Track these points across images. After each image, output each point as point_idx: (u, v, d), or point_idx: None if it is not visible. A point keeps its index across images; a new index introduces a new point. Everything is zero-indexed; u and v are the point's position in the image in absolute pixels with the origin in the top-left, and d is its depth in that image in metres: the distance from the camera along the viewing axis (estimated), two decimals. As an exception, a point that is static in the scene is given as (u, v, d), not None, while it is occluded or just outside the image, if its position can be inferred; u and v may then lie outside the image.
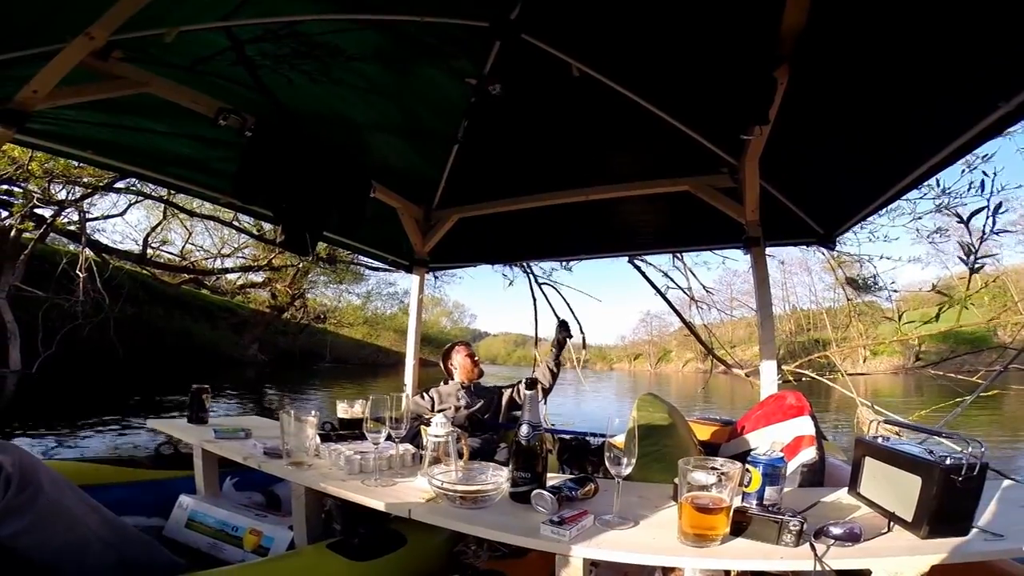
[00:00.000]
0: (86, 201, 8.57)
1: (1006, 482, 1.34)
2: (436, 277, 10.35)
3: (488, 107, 2.39)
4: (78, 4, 1.57)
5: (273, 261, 15.38)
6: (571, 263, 4.85)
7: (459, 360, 2.65)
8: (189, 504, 1.80)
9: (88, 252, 6.25)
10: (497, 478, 1.35)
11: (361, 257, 14.16)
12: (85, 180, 7.61)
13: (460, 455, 1.51)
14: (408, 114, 2.60)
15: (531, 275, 4.70)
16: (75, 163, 7.41)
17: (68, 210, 8.34)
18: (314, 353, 20.10)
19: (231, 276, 16.92)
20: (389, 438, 1.49)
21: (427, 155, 2.93)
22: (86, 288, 5.87)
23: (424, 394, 2.54)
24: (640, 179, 2.60)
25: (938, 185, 3.65)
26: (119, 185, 9.04)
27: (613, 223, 3.15)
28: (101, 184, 8.02)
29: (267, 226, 14.12)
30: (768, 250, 2.39)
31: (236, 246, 16.08)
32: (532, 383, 1.38)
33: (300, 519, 1.59)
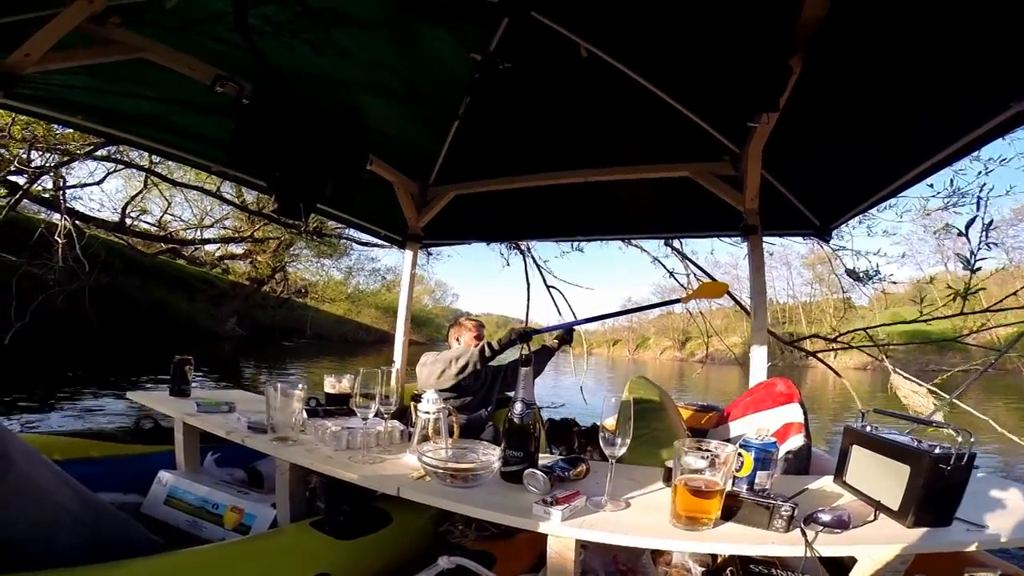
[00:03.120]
0: (64, 168, 8.20)
1: (978, 474, 1.38)
2: (430, 254, 10.25)
3: (491, 84, 2.33)
4: None
5: (256, 233, 15.07)
6: (582, 245, 4.82)
7: (466, 338, 2.58)
8: (169, 480, 1.75)
9: (66, 219, 6.01)
10: (488, 456, 1.34)
11: (352, 232, 14.02)
12: (67, 147, 7.27)
13: (451, 432, 1.49)
14: (410, 88, 2.53)
15: (526, 257, 4.66)
16: (57, 129, 7.10)
17: (43, 177, 8.00)
18: (294, 328, 19.84)
19: (210, 247, 16.53)
20: (378, 414, 1.46)
21: (427, 130, 2.87)
22: (65, 255, 5.63)
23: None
24: (641, 163, 2.58)
25: (951, 184, 3.70)
26: (100, 153, 8.70)
27: (610, 205, 3.13)
28: (81, 152, 7.68)
29: (249, 197, 13.83)
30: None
31: (217, 217, 15.73)
32: (527, 360, 1.36)
33: (284, 496, 1.57)
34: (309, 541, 1.40)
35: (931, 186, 4.65)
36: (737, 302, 4.74)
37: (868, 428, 1.26)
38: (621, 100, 2.28)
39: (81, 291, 6.44)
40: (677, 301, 2.49)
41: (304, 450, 1.50)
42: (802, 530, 1.04)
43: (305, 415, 1.62)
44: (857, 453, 1.26)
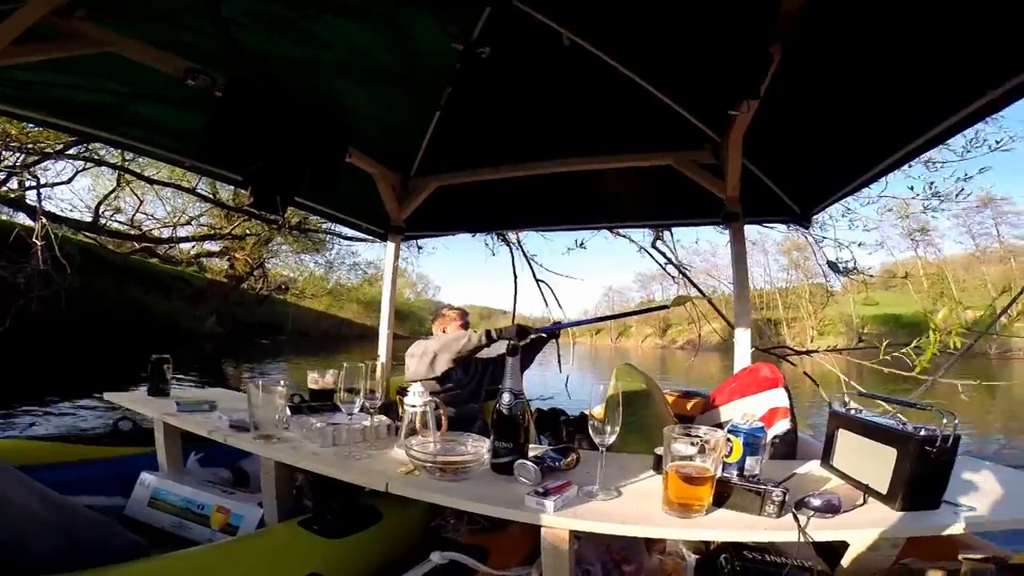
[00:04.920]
0: (37, 167, 7.90)
1: (961, 457, 1.41)
2: (420, 248, 10.16)
3: (472, 74, 2.32)
4: None
5: (235, 230, 14.75)
6: (585, 241, 4.84)
7: (451, 329, 2.54)
8: (151, 482, 1.71)
9: (43, 220, 5.78)
10: (477, 448, 1.32)
11: (333, 226, 13.82)
12: (38, 145, 6.98)
13: (438, 425, 1.47)
14: (390, 78, 2.49)
15: (513, 249, 4.65)
16: (29, 127, 6.82)
17: (9, 177, 7.68)
18: (274, 326, 19.55)
19: (185, 246, 16.13)
20: (363, 409, 1.43)
21: (408, 121, 2.82)
22: (44, 258, 5.42)
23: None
24: (624, 152, 2.57)
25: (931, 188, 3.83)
26: (71, 151, 8.39)
27: (596, 195, 3.13)
28: (54, 151, 7.39)
29: (225, 194, 13.53)
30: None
31: (193, 215, 15.35)
32: (513, 350, 1.34)
33: (270, 495, 1.53)
34: (299, 541, 1.37)
35: (911, 188, 4.86)
36: (712, 304, 4.86)
37: (853, 411, 1.27)
38: (603, 89, 2.27)
39: (56, 294, 6.23)
40: (664, 307, 2.50)
41: (289, 448, 1.47)
42: (794, 515, 1.05)
43: (288, 412, 1.59)
44: (843, 437, 1.28)
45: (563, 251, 5.19)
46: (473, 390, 2.40)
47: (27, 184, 8.51)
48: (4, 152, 7.11)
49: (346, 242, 16.93)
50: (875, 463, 1.14)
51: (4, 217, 10.28)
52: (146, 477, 1.72)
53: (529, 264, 4.48)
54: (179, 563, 1.18)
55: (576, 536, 1.14)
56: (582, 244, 4.98)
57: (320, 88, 2.45)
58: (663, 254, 5.34)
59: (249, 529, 1.59)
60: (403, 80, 2.51)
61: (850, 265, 4.06)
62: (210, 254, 17.12)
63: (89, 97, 2.16)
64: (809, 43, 1.62)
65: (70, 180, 10.79)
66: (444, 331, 2.48)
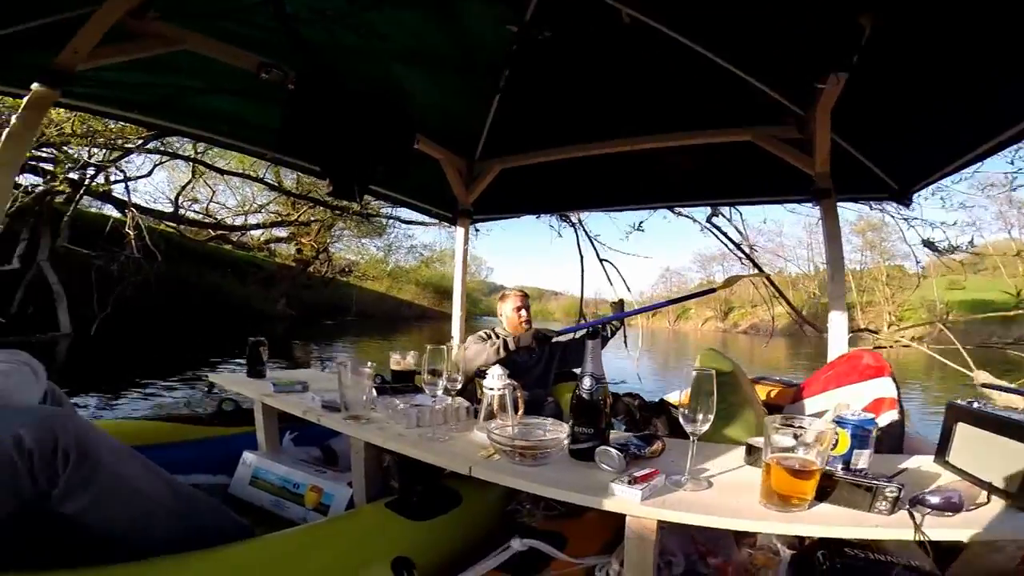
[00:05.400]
0: (122, 162, 8.59)
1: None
2: (477, 231, 10.31)
3: (530, 56, 2.29)
4: None
5: (300, 217, 15.48)
6: (642, 223, 4.76)
7: (506, 310, 2.55)
8: (253, 461, 1.80)
9: (133, 211, 6.35)
10: (557, 433, 1.31)
11: (392, 210, 14.19)
12: (120, 141, 7.59)
13: (516, 408, 1.47)
14: (449, 64, 2.51)
15: (577, 230, 4.59)
16: (113, 124, 7.40)
17: (98, 172, 8.35)
18: (339, 307, 20.44)
19: (255, 232, 17.08)
20: (445, 391, 1.46)
21: (469, 105, 2.84)
22: (138, 247, 5.95)
23: (482, 336, 2.44)
24: (696, 129, 2.46)
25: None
26: (149, 146, 9.04)
27: (661, 174, 3.04)
28: (136, 146, 8.01)
29: (288, 181, 14.15)
30: (799, 208, 2.28)
31: (261, 203, 16.21)
32: (594, 333, 1.32)
33: (359, 475, 1.59)
34: (387, 523, 1.41)
35: (1011, 163, 4.36)
36: (773, 285, 4.60)
37: (975, 404, 1.17)
38: (670, 64, 2.17)
39: (146, 280, 6.77)
40: (710, 291, 2.41)
41: (376, 428, 1.51)
42: (910, 512, 0.98)
43: (375, 393, 1.64)
44: (963, 431, 1.17)
45: (623, 233, 5.07)
46: (540, 375, 2.41)
47: (112, 178, 9.27)
48: (92, 148, 7.73)
49: (404, 225, 17.41)
50: (1003, 460, 1.04)
51: (94, 210, 11.25)
52: (248, 456, 1.82)
53: (592, 244, 4.41)
54: (278, 544, 1.25)
55: (661, 527, 1.12)
56: (640, 226, 4.84)
57: (382, 77, 2.51)
58: (725, 234, 5.10)
59: (339, 508, 1.65)
60: (461, 65, 2.52)
61: (944, 245, 3.71)
62: (279, 240, 18.07)
63: (171, 93, 2.29)
64: (905, 8, 1.46)
65: (149, 173, 11.62)
66: (500, 314, 2.50)
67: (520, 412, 1.44)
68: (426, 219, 15.59)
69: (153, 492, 1.16)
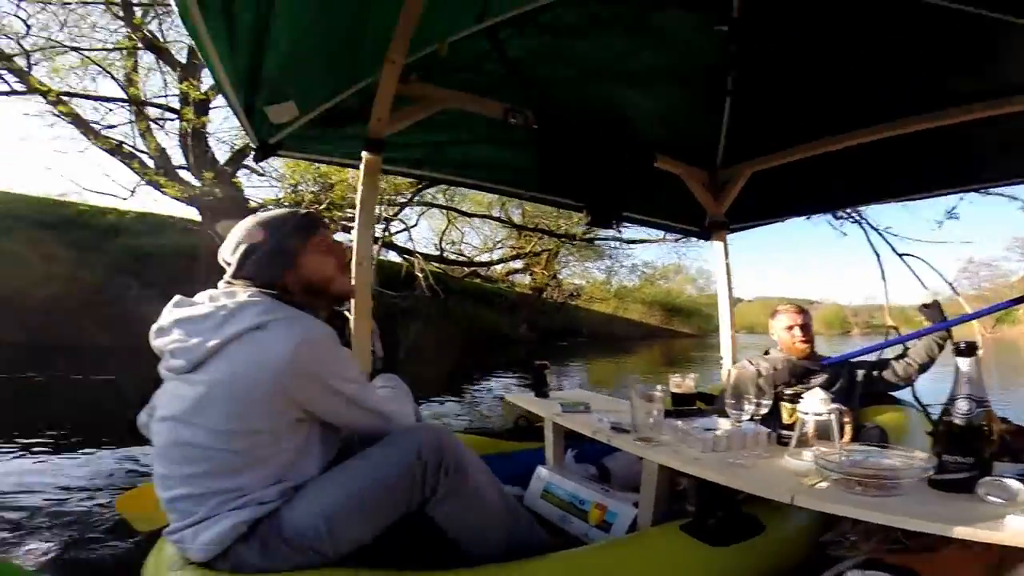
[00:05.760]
0: (401, 213, 10.80)
1: None
2: (686, 241, 9.81)
3: (756, 51, 2.15)
4: (377, 36, 1.84)
5: (533, 248, 16.99)
6: (956, 210, 3.93)
7: (777, 329, 2.28)
8: (545, 476, 1.90)
9: (418, 257, 7.99)
10: (912, 461, 1.14)
11: (615, 231, 14.46)
12: (398, 197, 9.56)
13: (841, 434, 1.29)
14: (668, 78, 2.48)
15: (864, 225, 3.92)
16: (391, 181, 9.27)
17: (387, 225, 10.66)
18: (571, 329, 21.48)
19: (498, 266, 19.30)
20: (752, 417, 1.36)
21: (698, 115, 2.75)
22: (429, 286, 7.45)
23: (748, 363, 2.25)
24: (991, 97, 1.94)
25: None
26: (415, 199, 11.13)
27: (963, 150, 2.47)
28: (410, 200, 10.03)
29: (515, 216, 15.60)
30: None
31: (497, 239, 18.30)
32: (970, 348, 1.08)
33: (648, 497, 1.57)
34: (684, 546, 1.36)
35: None
36: None
37: None
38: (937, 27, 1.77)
39: (429, 314, 8.30)
40: None
41: (671, 451, 1.49)
42: None
43: (662, 416, 1.62)
44: None
45: (936, 226, 4.06)
46: (842, 399, 2.06)
47: (393, 229, 11.56)
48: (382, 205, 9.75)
49: (625, 246, 17.49)
50: None
51: (381, 257, 14.17)
52: (542, 471, 1.92)
53: (885, 239, 3.66)
54: (584, 559, 1.28)
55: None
56: (953, 213, 3.81)
57: (607, 104, 2.55)
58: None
59: (622, 528, 1.63)
60: (680, 76, 2.46)
61: None
62: (516, 271, 20.04)
63: (445, 150, 2.62)
64: None
65: (416, 224, 14.16)
66: (771, 332, 2.25)
67: (846, 438, 1.26)
68: (647, 236, 15.37)
69: (493, 502, 1.23)
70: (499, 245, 18.71)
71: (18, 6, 8.56)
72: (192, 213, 10.27)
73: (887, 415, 2.29)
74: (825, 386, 2.08)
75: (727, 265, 2.95)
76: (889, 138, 2.30)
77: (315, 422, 1.15)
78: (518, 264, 19.14)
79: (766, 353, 2.32)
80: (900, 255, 2.97)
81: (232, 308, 1.10)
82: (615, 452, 2.16)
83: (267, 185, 11.15)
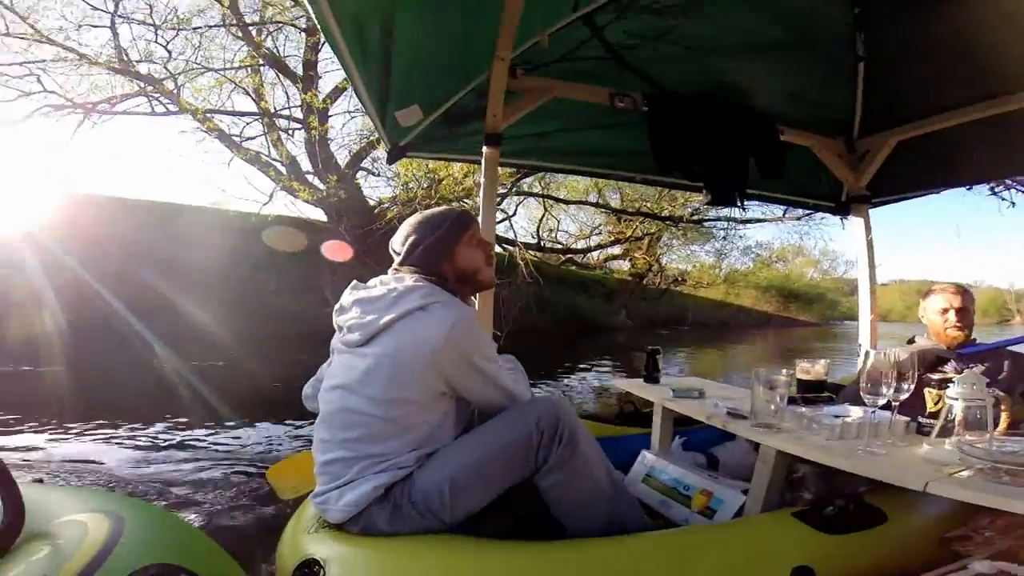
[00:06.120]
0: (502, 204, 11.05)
1: None
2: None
3: (876, 12, 2.02)
4: (484, 35, 1.94)
5: (633, 233, 16.52)
6: None
7: (929, 311, 2.01)
8: (650, 460, 1.89)
9: (520, 247, 8.23)
10: None
11: (726, 211, 13.67)
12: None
13: (996, 423, 1.19)
14: (787, 46, 2.31)
15: None
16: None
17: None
18: (675, 317, 20.63)
19: (595, 253, 18.98)
20: (888, 405, 1.28)
21: (827, 82, 2.55)
22: (531, 274, 7.67)
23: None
24: None
25: None
26: (513, 189, 11.33)
27: None
28: (510, 191, 10.26)
29: (613, 201, 15.23)
30: None
31: (593, 225, 17.99)
32: None
33: (761, 483, 1.52)
34: (792, 531, 1.31)
35: None
36: None
37: None
38: None
39: (528, 301, 8.51)
40: None
41: (792, 438, 1.45)
42: None
43: (784, 402, 1.57)
44: None
45: None
46: (1000, 388, 1.83)
47: (507, 218, 11.86)
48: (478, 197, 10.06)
49: (738, 226, 16.31)
50: None
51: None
52: (646, 455, 1.92)
53: None
54: (682, 539, 1.29)
55: None
56: None
57: (722, 80, 2.45)
58: None
59: (727, 515, 1.59)
60: (800, 42, 2.30)
61: None
62: (614, 257, 19.55)
63: (556, 139, 2.67)
64: None
65: (515, 213, 14.29)
66: (922, 318, 2.00)
67: (1001, 427, 1.16)
68: (762, 216, 14.27)
69: (600, 477, 1.27)
70: (596, 231, 18.36)
71: (156, 33, 9.80)
72: (319, 214, 11.34)
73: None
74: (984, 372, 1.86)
75: (870, 242, 2.70)
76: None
77: (453, 397, 1.29)
78: (616, 250, 18.63)
79: (910, 341, 2.10)
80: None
81: (401, 291, 1.25)
82: (726, 442, 2.11)
83: (383, 184, 11.92)
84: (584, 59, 2.27)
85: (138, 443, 3.65)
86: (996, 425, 1.19)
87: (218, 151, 11.04)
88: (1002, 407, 1.20)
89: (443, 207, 1.49)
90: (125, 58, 10.00)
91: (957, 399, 1.22)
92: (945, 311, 1.95)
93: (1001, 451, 1.08)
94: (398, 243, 1.40)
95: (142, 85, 10.19)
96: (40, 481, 1.71)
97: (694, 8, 2.07)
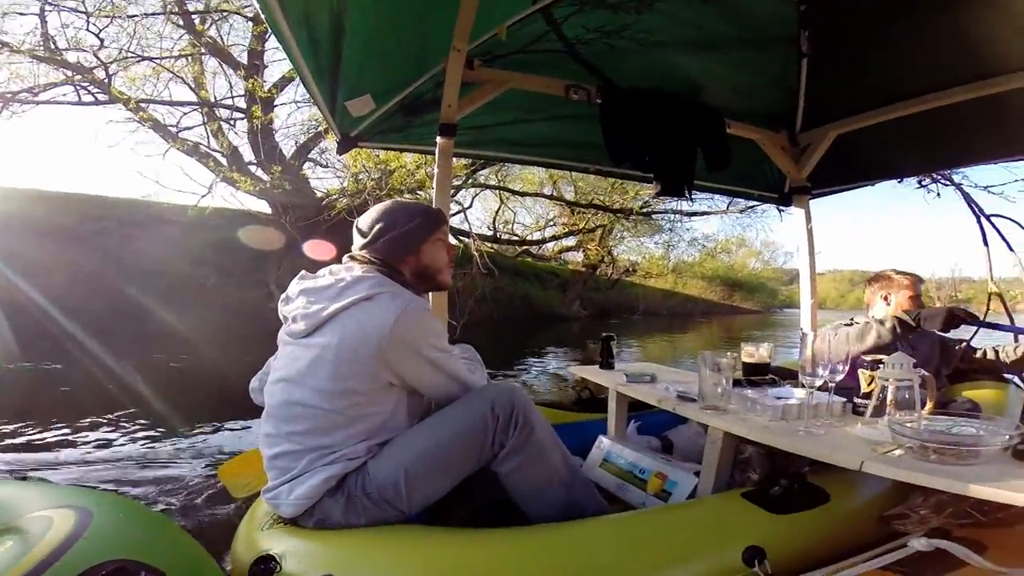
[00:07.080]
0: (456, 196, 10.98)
1: None
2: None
3: (822, 9, 2.08)
4: (441, 26, 1.91)
5: (586, 225, 16.79)
6: None
7: (899, 298, 2.14)
8: (606, 445, 1.92)
9: (475, 238, 8.22)
10: (994, 431, 1.12)
11: (674, 204, 14.04)
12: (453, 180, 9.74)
13: (923, 403, 1.27)
14: (735, 41, 2.37)
15: (962, 189, 3.61)
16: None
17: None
18: (625, 306, 21.17)
19: (549, 244, 19.21)
20: (824, 386, 1.35)
21: (772, 77, 2.63)
22: (486, 265, 7.68)
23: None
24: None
25: None
26: (468, 181, 11.26)
27: None
28: (465, 184, 10.18)
29: (567, 194, 15.43)
30: None
31: (548, 218, 18.19)
32: None
33: (711, 465, 1.57)
34: (742, 512, 1.36)
35: None
36: None
37: None
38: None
39: (483, 292, 8.49)
40: None
41: (738, 419, 1.50)
42: None
43: (730, 385, 1.63)
44: None
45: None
46: (926, 369, 1.98)
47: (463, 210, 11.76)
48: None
49: (684, 218, 16.90)
50: None
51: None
52: (603, 440, 1.94)
53: (971, 204, 3.35)
54: (636, 522, 1.31)
55: None
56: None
57: (672, 74, 2.50)
58: None
59: (681, 496, 1.63)
60: (747, 39, 2.36)
61: None
62: (568, 249, 19.86)
63: (511, 130, 2.68)
64: None
65: (471, 205, 14.24)
66: (887, 298, 2.14)
67: (929, 407, 1.24)
68: (708, 208, 14.81)
69: (556, 461, 1.28)
70: (551, 223, 18.59)
71: (88, 21, 9.19)
72: (263, 206, 10.90)
73: (983, 391, 2.16)
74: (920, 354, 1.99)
75: (810, 231, 2.85)
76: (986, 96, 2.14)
77: (404, 389, 1.26)
78: (570, 242, 18.96)
79: (848, 325, 2.23)
80: (987, 217, 2.67)
81: (349, 281, 1.23)
82: (679, 425, 2.18)
83: (331, 176, 11.58)
84: (541, 52, 2.28)
85: (75, 445, 3.42)
86: (924, 405, 1.26)
87: (152, 142, 10.45)
88: (927, 388, 1.27)
89: (418, 202, 1.47)
90: (53, 46, 9.33)
91: (888, 380, 1.28)
92: (913, 297, 2.14)
93: (929, 431, 1.14)
94: (365, 225, 1.36)
95: (69, 74, 9.56)
96: (24, 478, 1.59)
97: (648, 5, 2.10)
